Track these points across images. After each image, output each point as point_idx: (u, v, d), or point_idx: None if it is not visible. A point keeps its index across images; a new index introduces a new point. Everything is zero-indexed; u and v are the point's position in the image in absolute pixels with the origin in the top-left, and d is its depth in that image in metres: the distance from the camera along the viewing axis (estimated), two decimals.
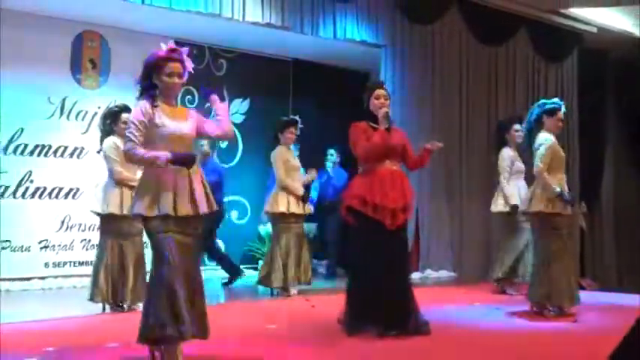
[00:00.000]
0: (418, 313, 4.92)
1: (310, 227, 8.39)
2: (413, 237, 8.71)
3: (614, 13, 10.32)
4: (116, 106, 6.41)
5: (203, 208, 3.94)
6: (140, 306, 5.62)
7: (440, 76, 9.40)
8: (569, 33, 10.51)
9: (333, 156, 9.28)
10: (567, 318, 5.61)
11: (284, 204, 7.06)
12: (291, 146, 7.34)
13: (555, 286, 5.66)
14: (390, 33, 8.93)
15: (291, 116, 7.54)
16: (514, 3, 9.63)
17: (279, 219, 7.15)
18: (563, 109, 5.94)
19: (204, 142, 7.69)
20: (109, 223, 6.09)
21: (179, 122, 3.99)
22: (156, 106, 3.94)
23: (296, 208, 7.12)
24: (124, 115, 6.17)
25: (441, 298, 6.75)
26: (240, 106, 9.86)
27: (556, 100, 6.08)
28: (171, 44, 4.03)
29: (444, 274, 9.13)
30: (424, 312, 4.99)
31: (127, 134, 3.89)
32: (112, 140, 6.18)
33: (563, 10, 10.10)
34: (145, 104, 3.94)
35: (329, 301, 6.06)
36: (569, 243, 5.91)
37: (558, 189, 5.62)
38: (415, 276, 8.40)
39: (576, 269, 5.90)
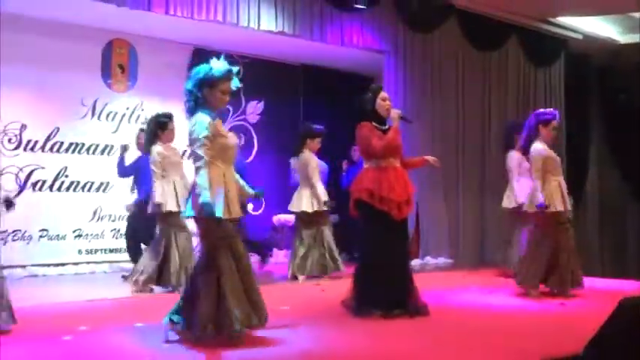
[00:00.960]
0: (418, 296, 4.92)
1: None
2: (414, 227, 8.70)
3: (599, 21, 10.27)
4: (164, 115, 6.41)
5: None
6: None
7: (438, 80, 9.38)
8: (556, 40, 10.47)
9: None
10: (564, 297, 5.64)
11: (309, 204, 7.14)
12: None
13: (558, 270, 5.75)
14: (393, 40, 8.90)
15: (318, 126, 7.47)
16: (506, 12, 9.59)
17: (304, 216, 7.22)
18: (557, 118, 5.93)
19: (142, 135, 7.17)
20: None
21: (230, 133, 4.16)
22: (213, 118, 3.98)
23: (318, 207, 7.17)
24: (172, 124, 6.23)
25: (439, 283, 6.74)
26: (256, 107, 9.86)
27: (551, 110, 6.07)
28: (225, 64, 4.03)
29: (442, 260, 9.12)
30: (424, 295, 4.99)
31: (198, 153, 3.85)
32: (156, 151, 6.22)
33: (551, 19, 10.07)
34: (206, 118, 3.94)
35: (337, 285, 6.06)
36: (569, 234, 5.90)
37: (539, 201, 5.66)
38: (416, 263, 8.39)
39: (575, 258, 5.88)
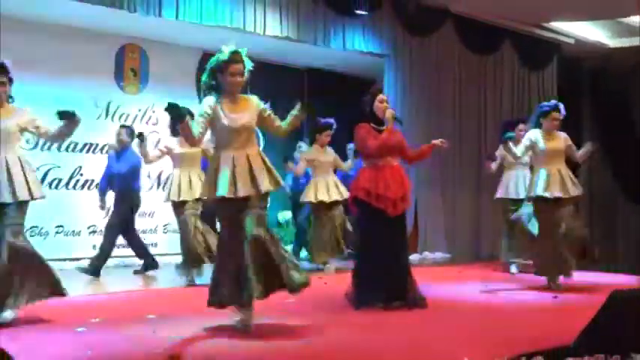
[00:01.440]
0: (416, 288, 4.93)
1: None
2: (412, 223, 8.70)
3: (590, 26, 10.25)
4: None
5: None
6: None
7: (436, 82, 9.38)
8: (549, 44, 10.46)
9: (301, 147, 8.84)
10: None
11: (313, 194, 7.18)
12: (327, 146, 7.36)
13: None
14: (392, 44, 8.90)
15: (326, 120, 7.46)
16: (501, 17, 9.59)
17: (315, 206, 7.25)
18: (557, 109, 5.87)
19: (123, 132, 7.18)
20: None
21: (236, 114, 3.98)
22: (219, 102, 3.97)
23: (328, 196, 7.16)
24: (187, 118, 6.21)
25: (436, 276, 6.74)
26: None
27: (551, 102, 6.05)
28: (232, 47, 4.00)
29: (439, 255, 9.11)
30: (422, 288, 4.99)
31: (194, 125, 3.97)
32: (166, 146, 6.33)
33: (544, 24, 10.06)
34: (210, 99, 3.98)
35: (339, 279, 6.06)
36: (561, 222, 5.75)
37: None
38: (414, 257, 8.38)
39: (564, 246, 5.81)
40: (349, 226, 7.27)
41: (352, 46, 8.49)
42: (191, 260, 6.14)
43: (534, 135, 5.84)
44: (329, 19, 8.13)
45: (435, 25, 9.16)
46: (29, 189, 4.28)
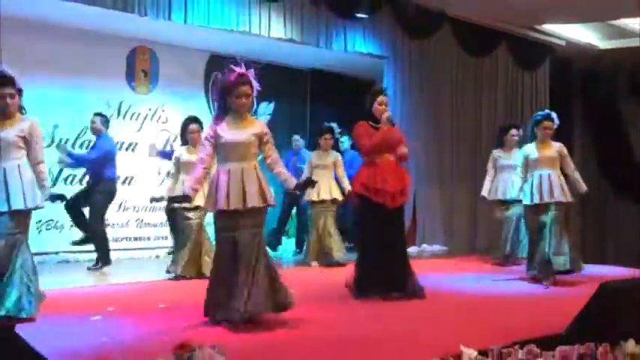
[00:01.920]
0: (415, 279, 4.93)
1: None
2: (411, 217, 8.70)
3: (581, 28, 10.23)
4: (187, 118, 6.40)
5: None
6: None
7: (434, 83, 9.36)
8: (542, 46, 10.43)
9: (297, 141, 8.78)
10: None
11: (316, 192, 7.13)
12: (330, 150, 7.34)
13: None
14: (392, 46, 8.88)
15: (329, 124, 7.47)
16: (496, 20, 9.56)
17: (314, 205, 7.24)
18: (551, 116, 5.89)
19: (97, 120, 6.96)
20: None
21: (237, 132, 3.98)
22: (220, 121, 4.01)
23: (329, 194, 7.15)
24: (192, 126, 6.22)
25: (434, 268, 6.74)
26: (267, 108, 9.85)
27: (544, 112, 6.07)
28: (241, 69, 3.99)
29: (437, 247, 9.10)
30: (420, 279, 4.99)
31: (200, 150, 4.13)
32: (176, 156, 6.27)
33: (537, 26, 10.02)
34: (211, 121, 4.09)
35: (340, 270, 6.07)
36: (549, 223, 5.71)
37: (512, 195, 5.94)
38: (413, 249, 8.38)
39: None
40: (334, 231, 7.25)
41: (353, 48, 8.48)
42: (178, 265, 6.09)
43: (528, 149, 5.88)
44: (331, 22, 8.12)
45: (432, 28, 9.14)
46: (24, 198, 4.06)
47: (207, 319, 3.96)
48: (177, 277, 5.99)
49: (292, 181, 4.24)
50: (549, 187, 5.69)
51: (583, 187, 6.00)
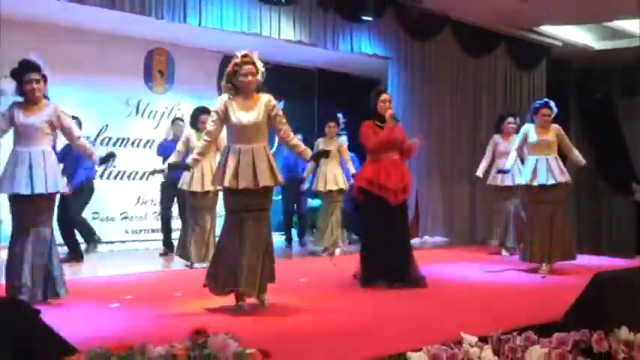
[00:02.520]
0: (417, 269, 4.93)
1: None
2: (413, 210, 8.68)
3: (577, 30, 10.17)
4: (197, 109, 6.31)
5: None
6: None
7: (435, 82, 9.33)
8: (539, 46, 10.37)
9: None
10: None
11: (323, 183, 7.11)
12: (337, 137, 7.28)
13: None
14: (396, 47, 8.86)
15: (334, 114, 7.46)
16: (495, 22, 9.51)
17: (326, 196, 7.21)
18: (548, 104, 5.82)
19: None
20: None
21: (246, 112, 3.95)
22: (231, 99, 3.96)
23: (335, 185, 7.11)
24: (202, 116, 6.15)
25: (436, 258, 6.73)
26: (277, 105, 9.84)
27: (542, 100, 6.01)
28: (244, 51, 3.99)
29: (438, 239, 9.10)
30: (422, 269, 4.99)
31: (208, 122, 4.08)
32: (186, 135, 6.09)
33: (534, 28, 9.97)
34: (223, 97, 4.00)
35: (347, 260, 6.07)
36: (550, 210, 5.64)
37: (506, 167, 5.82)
38: (415, 241, 8.37)
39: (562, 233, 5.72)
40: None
41: (359, 49, 8.46)
42: (179, 251, 6.07)
43: (527, 128, 5.79)
44: (338, 25, 8.10)
45: (434, 30, 9.10)
46: (46, 183, 4.05)
47: (220, 306, 3.97)
48: (191, 266, 6.00)
49: (308, 153, 4.24)
50: (549, 169, 5.58)
51: (582, 160, 5.93)
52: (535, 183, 5.60)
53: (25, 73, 4.12)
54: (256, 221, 3.90)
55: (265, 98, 4.07)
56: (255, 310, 3.90)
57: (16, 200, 4.09)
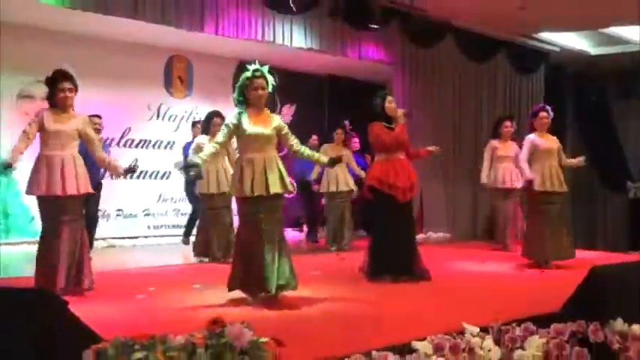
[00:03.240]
0: (422, 263, 4.91)
1: None
2: (418, 207, 8.66)
3: (574, 36, 10.10)
4: (210, 113, 6.29)
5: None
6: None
7: (438, 87, 9.31)
8: (537, 52, 10.31)
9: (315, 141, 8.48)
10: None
11: (334, 184, 7.09)
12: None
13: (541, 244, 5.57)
14: (400, 54, 8.84)
15: (341, 122, 7.47)
16: (495, 29, 9.46)
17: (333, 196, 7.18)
18: (545, 108, 5.78)
19: None
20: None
21: (258, 126, 3.96)
22: (242, 113, 3.97)
23: (345, 186, 7.11)
24: (215, 119, 6.15)
25: (439, 253, 6.70)
26: (289, 109, 9.87)
27: (539, 105, 5.98)
28: (255, 65, 4.01)
29: (441, 235, 9.06)
30: (426, 263, 4.97)
31: (220, 132, 4.07)
32: (197, 142, 6.05)
33: (533, 34, 9.90)
34: (236, 111, 4.01)
35: (355, 255, 6.06)
36: (557, 212, 5.65)
37: (530, 176, 5.54)
38: (419, 237, 8.31)
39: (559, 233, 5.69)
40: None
41: (366, 56, 8.46)
42: (197, 250, 6.07)
43: (532, 137, 5.72)
44: (346, 33, 8.09)
45: (437, 37, 9.06)
46: (77, 185, 4.17)
47: (236, 297, 3.98)
48: (210, 261, 6.01)
49: (324, 159, 4.34)
50: (557, 177, 5.60)
51: (579, 161, 5.95)
52: (542, 189, 5.56)
53: (59, 82, 4.19)
54: (269, 224, 3.92)
55: (275, 118, 4.12)
56: (268, 301, 3.90)
57: (48, 201, 4.14)
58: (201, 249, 6.11)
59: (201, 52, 8.64)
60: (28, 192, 4.22)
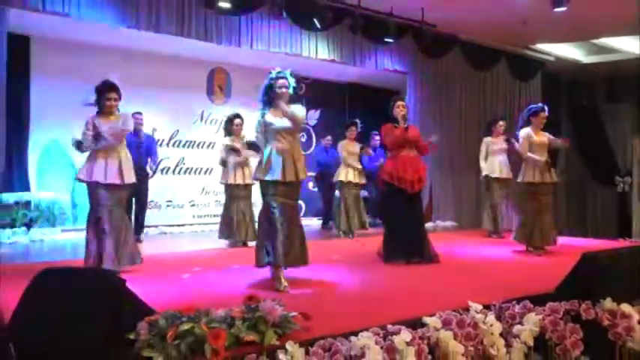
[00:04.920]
0: (432, 247, 4.88)
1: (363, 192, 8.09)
2: (428, 198, 8.59)
3: (567, 46, 9.89)
4: (231, 115, 6.31)
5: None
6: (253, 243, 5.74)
7: (446, 93, 9.20)
8: (534, 61, 10.10)
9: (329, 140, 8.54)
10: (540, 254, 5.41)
11: (344, 175, 7.01)
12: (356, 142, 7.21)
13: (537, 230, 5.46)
14: (413, 64, 8.75)
15: (353, 119, 7.42)
16: (497, 41, 9.30)
17: (344, 185, 7.05)
18: (544, 108, 5.64)
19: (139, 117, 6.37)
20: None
21: (281, 118, 3.93)
22: (265, 113, 3.97)
23: (353, 178, 7.03)
24: (236, 121, 6.18)
25: (447, 239, 6.64)
26: (314, 114, 9.86)
27: (539, 105, 5.79)
28: (278, 68, 4.05)
29: (448, 223, 8.97)
30: (436, 247, 4.93)
31: (255, 138, 4.06)
32: (224, 143, 6.07)
33: (531, 45, 9.72)
34: (264, 112, 3.98)
35: (373, 241, 6.04)
36: (547, 202, 5.53)
37: (543, 159, 5.43)
38: (429, 225, 8.27)
39: (551, 221, 5.58)
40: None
41: (382, 66, 8.40)
42: (226, 234, 6.04)
43: (527, 132, 5.53)
44: (365, 46, 8.04)
45: (445, 49, 8.95)
46: (130, 175, 4.29)
47: (268, 277, 3.98)
48: (245, 244, 6.04)
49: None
50: (547, 169, 5.46)
51: (564, 140, 5.81)
52: (534, 180, 5.44)
53: (107, 92, 4.30)
54: (293, 208, 3.92)
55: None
56: (295, 280, 3.91)
57: (102, 188, 4.20)
58: (227, 232, 6.08)
59: (239, 65, 8.68)
60: (80, 179, 4.25)
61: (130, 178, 4.30)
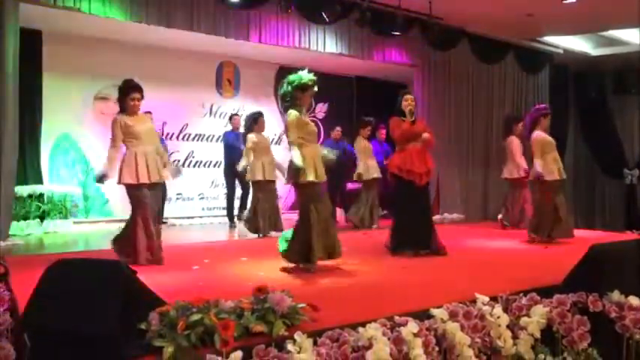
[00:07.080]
0: (439, 239, 4.86)
1: None
2: (435, 191, 8.56)
3: (575, 39, 9.78)
4: (256, 113, 6.36)
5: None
6: (272, 233, 5.86)
7: (454, 85, 9.14)
8: (543, 54, 10.01)
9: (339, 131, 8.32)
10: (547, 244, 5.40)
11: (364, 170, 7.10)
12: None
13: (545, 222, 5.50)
14: (420, 57, 8.70)
15: (367, 118, 7.41)
16: (505, 34, 9.21)
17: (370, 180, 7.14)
18: (550, 110, 5.73)
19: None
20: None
21: (310, 121, 4.15)
22: (301, 112, 4.04)
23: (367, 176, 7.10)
24: (261, 119, 6.22)
25: (454, 232, 6.62)
26: (323, 107, 9.84)
27: (546, 105, 5.85)
28: (311, 75, 4.08)
29: (455, 216, 8.95)
30: (443, 239, 4.91)
31: (289, 137, 4.02)
32: (251, 139, 6.11)
33: (539, 38, 9.62)
34: (295, 114, 4.01)
35: (380, 233, 6.03)
36: (559, 198, 5.59)
37: (539, 169, 5.46)
38: (436, 217, 8.24)
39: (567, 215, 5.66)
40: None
41: (389, 59, 8.36)
42: (252, 227, 6.11)
43: (543, 135, 5.60)
44: (372, 39, 8.01)
45: (453, 41, 8.89)
46: (160, 174, 4.37)
47: (279, 269, 3.99)
48: (259, 236, 6.07)
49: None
50: (558, 166, 5.58)
51: None
52: (551, 178, 5.50)
53: (131, 92, 4.31)
54: (328, 202, 4.15)
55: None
56: (304, 273, 3.92)
57: (145, 187, 4.29)
58: (254, 225, 6.15)
59: (247, 58, 8.67)
60: (127, 183, 4.26)
61: (164, 174, 4.43)
